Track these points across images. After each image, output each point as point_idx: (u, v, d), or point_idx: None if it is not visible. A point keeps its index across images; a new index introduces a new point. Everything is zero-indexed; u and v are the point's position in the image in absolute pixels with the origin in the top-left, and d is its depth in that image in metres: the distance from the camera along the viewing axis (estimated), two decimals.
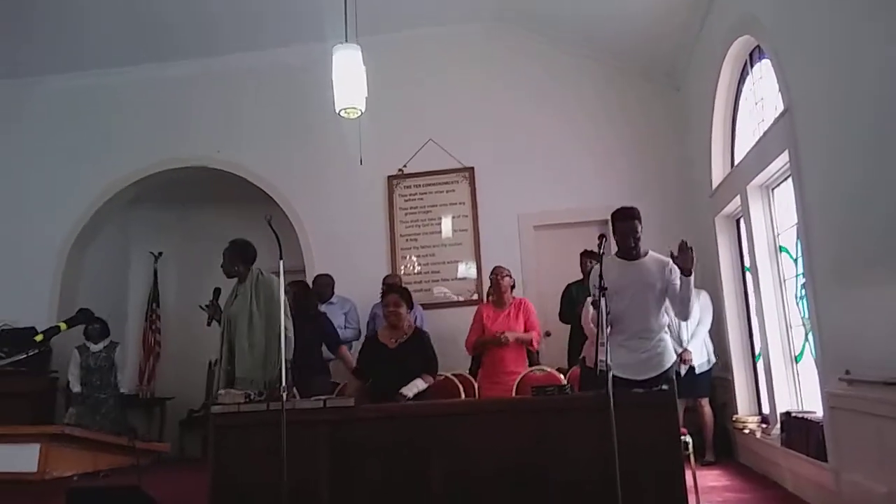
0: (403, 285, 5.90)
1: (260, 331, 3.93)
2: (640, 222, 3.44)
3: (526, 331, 4.59)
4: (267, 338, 3.89)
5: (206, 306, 4.20)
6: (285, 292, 4.29)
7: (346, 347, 5.06)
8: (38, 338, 2.18)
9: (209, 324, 4.21)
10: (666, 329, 3.54)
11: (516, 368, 4.51)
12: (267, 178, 6.76)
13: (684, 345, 5.14)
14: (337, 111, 4.49)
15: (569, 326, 5.32)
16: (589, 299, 3.82)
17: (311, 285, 5.42)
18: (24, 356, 2.21)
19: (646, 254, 3.48)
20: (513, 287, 4.80)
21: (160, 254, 8.19)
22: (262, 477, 3.18)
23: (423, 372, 3.90)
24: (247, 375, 3.90)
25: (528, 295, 6.08)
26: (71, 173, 6.91)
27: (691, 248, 3.25)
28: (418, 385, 3.81)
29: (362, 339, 5.85)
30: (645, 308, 3.41)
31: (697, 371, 5.15)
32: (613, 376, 3.18)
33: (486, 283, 5.75)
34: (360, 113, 4.54)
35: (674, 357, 3.53)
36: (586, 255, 5.19)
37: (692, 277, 3.30)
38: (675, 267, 3.34)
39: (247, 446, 3.33)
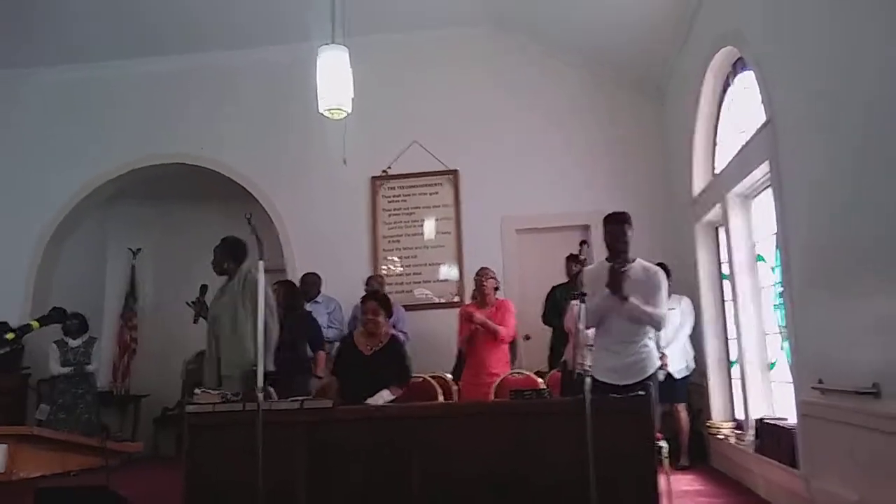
0: (386, 286, 5.93)
1: (245, 329, 3.92)
2: (631, 227, 3.48)
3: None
4: (252, 336, 3.88)
5: (193, 303, 4.19)
6: (273, 291, 4.29)
7: (325, 351, 5.03)
8: (10, 336, 2.15)
9: (195, 321, 4.20)
10: (651, 335, 3.56)
11: (498, 370, 4.53)
12: (249, 175, 6.71)
13: (661, 349, 5.20)
14: (320, 111, 4.48)
15: (551, 329, 5.34)
16: (573, 302, 3.80)
17: (297, 284, 5.41)
18: None
19: (634, 260, 3.51)
20: (496, 289, 4.83)
21: (139, 250, 8.09)
22: (237, 477, 3.15)
23: (394, 382, 3.93)
24: (230, 373, 3.90)
25: (509, 297, 6.12)
26: (50, 167, 6.81)
27: (622, 272, 3.32)
28: (384, 396, 3.83)
29: None
30: None
31: (677, 377, 5.19)
32: (597, 381, 3.22)
33: (469, 286, 5.76)
34: (345, 114, 4.53)
35: (657, 363, 3.57)
36: (571, 260, 5.23)
37: (629, 301, 3.34)
38: (662, 278, 3.44)
39: (222, 446, 3.30)
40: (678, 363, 5.23)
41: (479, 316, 4.55)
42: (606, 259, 3.58)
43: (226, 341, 3.96)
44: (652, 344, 3.55)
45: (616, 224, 3.49)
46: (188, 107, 6.86)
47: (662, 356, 5.11)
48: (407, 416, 3.42)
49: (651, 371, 3.46)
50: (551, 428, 3.19)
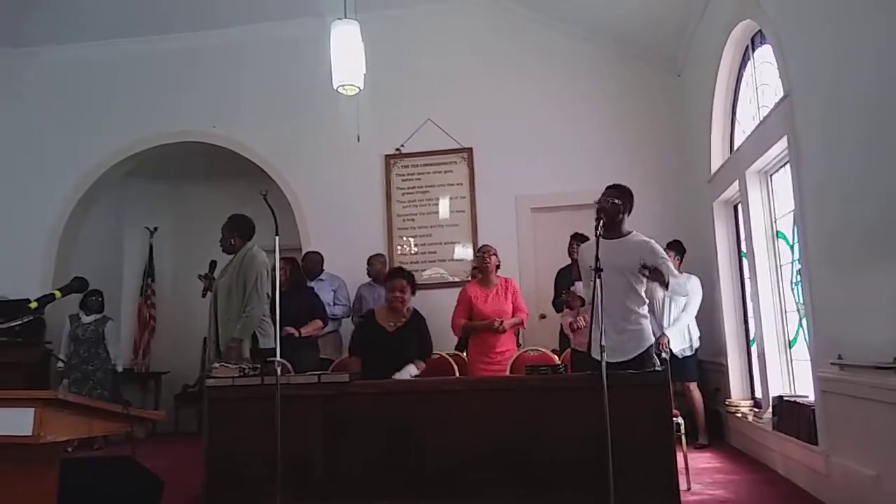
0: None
1: (237, 305, 3.96)
2: (623, 197, 3.45)
3: (514, 313, 4.63)
4: (239, 312, 3.93)
5: (203, 276, 4.27)
6: (280, 269, 4.28)
7: (322, 324, 4.98)
8: (33, 305, 2.18)
9: (203, 295, 4.26)
10: (645, 312, 3.49)
11: (508, 347, 4.54)
12: (263, 154, 6.72)
13: (663, 329, 5.12)
14: (335, 87, 4.47)
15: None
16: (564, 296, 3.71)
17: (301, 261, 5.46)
18: (19, 322, 2.20)
19: (628, 233, 3.46)
20: (497, 266, 4.79)
21: (155, 229, 8.17)
22: (256, 449, 3.21)
23: (417, 357, 3.94)
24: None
25: (524, 277, 6.12)
26: (66, 146, 6.86)
27: (650, 269, 3.29)
28: (410, 371, 3.86)
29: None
30: (619, 289, 3.36)
31: (680, 356, 5.12)
32: (594, 359, 3.21)
33: None
34: (358, 90, 4.51)
35: (651, 339, 3.49)
36: (576, 239, 5.03)
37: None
38: (657, 248, 3.40)
39: (241, 419, 3.35)
40: (681, 343, 5.17)
41: (508, 321, 4.52)
42: (600, 235, 3.55)
43: (221, 318, 4.01)
44: (646, 321, 3.48)
45: (605, 192, 3.47)
46: (202, 85, 6.86)
47: (662, 335, 5.01)
48: (423, 391, 3.45)
49: (646, 346, 3.42)
50: (566, 403, 3.21)
